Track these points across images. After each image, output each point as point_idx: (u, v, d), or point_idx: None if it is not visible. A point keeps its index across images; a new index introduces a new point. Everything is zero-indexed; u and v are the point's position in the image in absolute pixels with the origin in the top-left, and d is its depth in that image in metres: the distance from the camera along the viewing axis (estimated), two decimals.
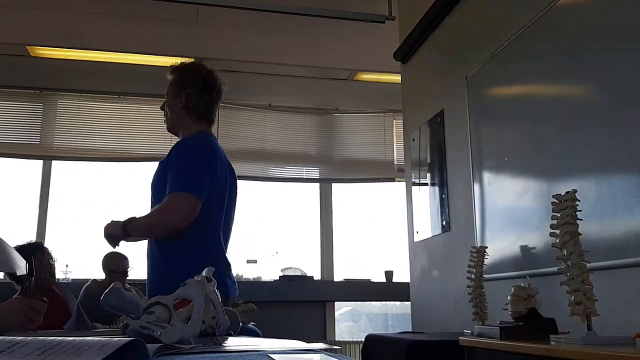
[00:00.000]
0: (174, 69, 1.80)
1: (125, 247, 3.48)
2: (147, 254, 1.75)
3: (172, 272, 1.58)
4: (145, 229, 1.65)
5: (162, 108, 1.83)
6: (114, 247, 1.72)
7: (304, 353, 0.68)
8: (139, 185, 4.32)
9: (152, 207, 1.73)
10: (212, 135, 1.78)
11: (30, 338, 0.54)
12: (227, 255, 1.78)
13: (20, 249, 2.55)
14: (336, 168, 4.56)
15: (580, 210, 1.34)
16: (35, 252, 2.52)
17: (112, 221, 1.69)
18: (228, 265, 1.76)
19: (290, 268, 4.23)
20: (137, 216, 1.65)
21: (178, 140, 1.76)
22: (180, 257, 1.63)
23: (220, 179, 1.69)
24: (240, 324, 1.12)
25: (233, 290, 1.72)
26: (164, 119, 1.83)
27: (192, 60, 1.83)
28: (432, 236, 2.88)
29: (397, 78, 3.54)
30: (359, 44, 3.83)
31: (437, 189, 2.85)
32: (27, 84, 4.16)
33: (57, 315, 2.36)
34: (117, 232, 1.66)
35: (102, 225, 1.71)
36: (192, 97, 1.74)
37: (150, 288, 1.69)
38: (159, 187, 1.69)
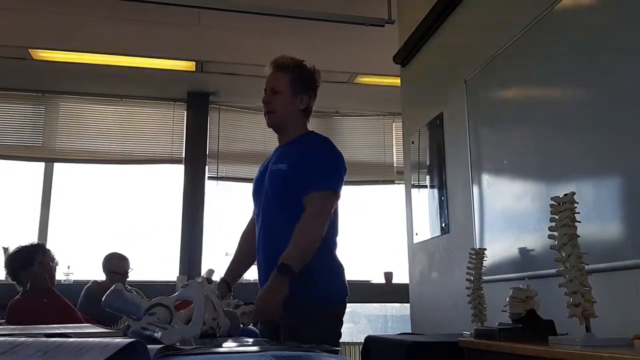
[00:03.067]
0: (291, 65, 1.77)
1: (125, 248, 3.50)
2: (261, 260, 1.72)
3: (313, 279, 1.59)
4: (306, 257, 1.56)
5: (267, 101, 1.76)
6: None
7: (304, 353, 0.69)
8: (140, 187, 4.33)
9: (264, 210, 1.70)
10: None
11: (31, 339, 0.55)
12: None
13: (22, 250, 2.56)
14: None
15: (579, 213, 1.34)
16: (36, 254, 2.53)
17: (267, 291, 1.52)
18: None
19: None
20: (286, 256, 1.53)
21: (292, 138, 1.74)
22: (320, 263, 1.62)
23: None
24: (241, 325, 1.12)
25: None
26: (266, 112, 1.76)
27: (297, 59, 1.81)
28: (431, 238, 2.89)
29: (396, 81, 3.55)
30: (358, 47, 3.84)
31: (436, 191, 2.85)
32: (29, 87, 4.17)
33: (58, 316, 2.38)
34: (282, 292, 1.51)
35: (260, 306, 1.52)
36: (311, 101, 1.77)
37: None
38: (285, 185, 1.66)
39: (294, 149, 1.72)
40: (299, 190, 1.62)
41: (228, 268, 1.88)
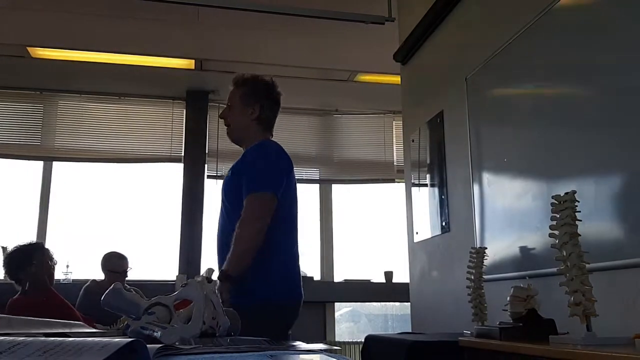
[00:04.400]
0: (243, 80, 1.88)
1: (125, 247, 3.49)
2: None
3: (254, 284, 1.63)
4: (243, 261, 1.63)
5: (222, 117, 1.88)
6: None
7: (304, 354, 0.68)
8: (139, 186, 4.33)
9: (222, 214, 1.78)
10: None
11: (31, 339, 0.54)
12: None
13: (20, 250, 2.55)
14: (336, 169, 4.57)
15: (580, 211, 1.34)
16: (35, 253, 2.52)
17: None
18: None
19: None
20: (225, 263, 1.62)
21: (251, 147, 1.82)
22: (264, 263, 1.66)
23: (294, 186, 1.80)
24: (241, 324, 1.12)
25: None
26: (227, 127, 1.87)
27: (254, 74, 1.93)
28: (432, 237, 2.89)
29: (396, 79, 3.55)
30: (358, 45, 3.83)
31: (436, 189, 2.85)
32: (27, 85, 4.17)
33: (57, 316, 2.37)
34: (226, 294, 1.58)
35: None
36: (265, 109, 1.84)
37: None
38: (231, 193, 1.75)
39: (244, 156, 1.82)
40: (241, 197, 1.69)
41: None
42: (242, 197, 1.68)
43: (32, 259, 2.48)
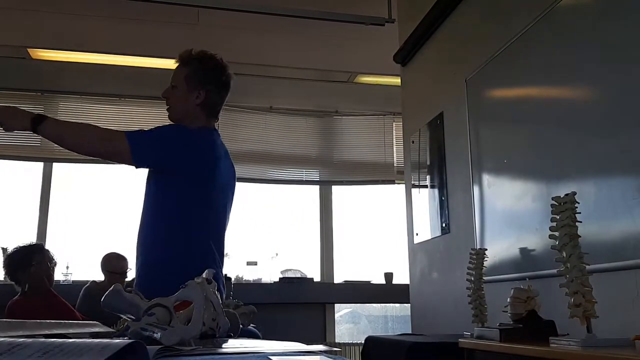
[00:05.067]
0: (190, 58, 1.69)
1: (124, 248, 3.49)
2: (138, 245, 1.66)
3: (166, 270, 1.51)
4: (62, 137, 1.55)
5: (164, 96, 1.70)
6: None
7: (303, 355, 0.68)
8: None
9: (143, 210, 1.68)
10: (216, 131, 1.72)
11: (31, 340, 0.54)
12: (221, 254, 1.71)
13: (20, 251, 2.55)
14: (336, 170, 4.57)
15: (580, 213, 1.34)
16: (35, 254, 2.52)
17: (16, 109, 1.58)
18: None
19: (290, 270, 4.23)
20: (57, 120, 1.57)
21: None
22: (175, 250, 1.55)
23: (215, 174, 1.62)
24: (240, 325, 1.12)
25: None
26: (167, 107, 1.70)
27: (203, 50, 1.73)
28: (432, 238, 2.89)
29: (397, 80, 3.55)
30: (359, 47, 3.83)
31: (436, 191, 2.85)
32: (28, 87, 4.16)
33: (56, 317, 2.37)
34: (19, 123, 1.55)
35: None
36: (211, 94, 1.67)
37: (139, 283, 1.59)
38: (149, 187, 1.63)
39: None
40: (164, 188, 1.58)
41: None
42: (165, 188, 1.57)
43: (31, 260, 2.48)
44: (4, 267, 2.54)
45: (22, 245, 2.59)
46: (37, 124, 1.53)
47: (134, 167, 1.58)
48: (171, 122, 1.70)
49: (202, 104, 1.66)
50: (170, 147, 1.56)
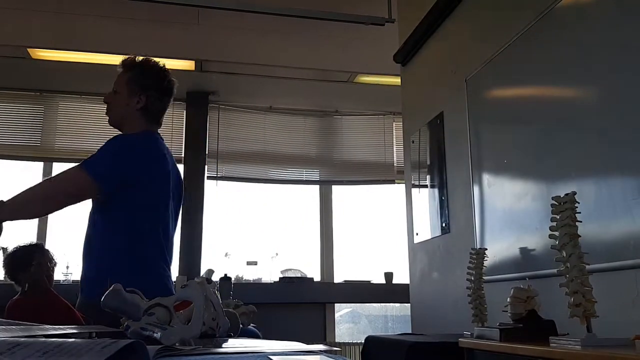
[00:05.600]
0: (133, 64, 1.70)
1: None
2: (85, 246, 1.66)
3: (108, 272, 1.48)
4: (18, 212, 1.51)
5: (106, 101, 1.70)
6: None
7: (303, 354, 0.68)
8: None
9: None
10: (159, 135, 1.72)
11: (31, 340, 0.54)
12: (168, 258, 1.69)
13: (20, 250, 2.55)
14: (336, 170, 4.57)
15: (580, 212, 1.34)
16: (35, 254, 2.52)
17: None
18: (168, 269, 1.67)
19: (290, 270, 4.24)
20: (6, 202, 1.48)
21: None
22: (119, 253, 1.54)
23: (162, 179, 1.62)
24: (241, 325, 1.12)
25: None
26: (107, 111, 1.71)
27: (146, 57, 1.74)
28: (432, 238, 2.89)
29: (397, 80, 3.55)
30: (359, 47, 3.83)
31: (436, 190, 2.85)
32: (27, 86, 4.17)
33: (57, 316, 2.38)
34: None
35: None
36: (153, 100, 1.67)
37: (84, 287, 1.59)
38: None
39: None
40: (113, 196, 1.56)
41: None
42: (116, 194, 1.55)
43: (31, 260, 2.48)
44: (4, 266, 2.54)
45: (22, 244, 2.59)
46: None
47: (100, 197, 1.58)
48: (109, 123, 1.73)
49: (143, 108, 1.67)
50: (125, 159, 1.58)
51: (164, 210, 1.64)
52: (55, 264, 2.64)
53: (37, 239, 3.91)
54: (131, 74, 1.69)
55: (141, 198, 1.58)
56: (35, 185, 1.53)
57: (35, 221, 4.05)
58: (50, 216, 4.09)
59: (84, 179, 1.52)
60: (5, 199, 1.50)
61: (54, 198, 1.52)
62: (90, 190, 1.54)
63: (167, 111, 1.77)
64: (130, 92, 1.67)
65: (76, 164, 1.58)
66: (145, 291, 0.88)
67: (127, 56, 1.72)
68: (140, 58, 1.71)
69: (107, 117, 1.72)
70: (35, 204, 1.53)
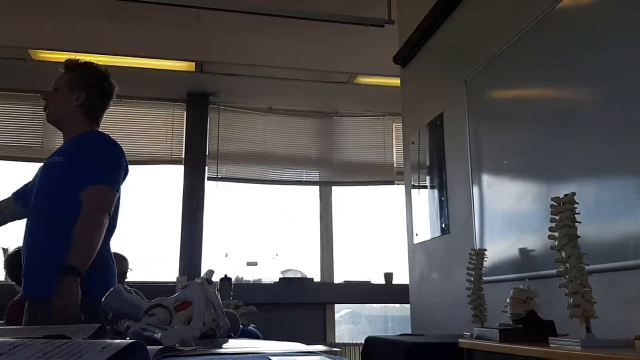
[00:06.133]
0: (74, 65, 1.78)
1: (125, 249, 3.50)
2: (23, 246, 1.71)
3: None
4: (89, 254, 1.54)
5: (44, 99, 1.78)
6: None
7: (303, 355, 0.69)
8: (139, 188, 4.33)
9: (36, 204, 1.69)
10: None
11: (31, 340, 0.55)
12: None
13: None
14: (336, 171, 4.57)
15: (579, 213, 1.34)
16: None
17: (59, 298, 1.47)
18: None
19: (290, 270, 4.24)
20: (70, 257, 1.51)
21: (72, 136, 1.74)
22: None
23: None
24: (241, 326, 1.12)
25: None
26: (46, 109, 1.78)
27: (89, 59, 1.84)
28: (432, 238, 2.89)
29: (396, 81, 3.55)
30: (358, 48, 3.84)
31: (436, 191, 2.85)
32: (28, 87, 4.17)
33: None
34: (72, 294, 1.47)
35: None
36: (91, 98, 1.75)
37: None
38: (52, 186, 1.66)
39: (71, 146, 1.73)
40: (73, 185, 1.61)
41: None
42: (73, 186, 1.60)
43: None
44: (5, 266, 2.54)
45: None
46: (74, 274, 1.51)
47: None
48: (48, 121, 1.80)
49: (82, 105, 1.74)
50: (118, 167, 1.69)
51: (117, 214, 1.73)
52: None
53: None
54: (73, 73, 1.77)
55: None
56: (85, 224, 1.56)
57: None
58: None
59: (113, 195, 1.63)
60: (72, 262, 1.51)
61: (102, 226, 1.58)
62: (113, 198, 1.64)
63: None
64: (71, 89, 1.74)
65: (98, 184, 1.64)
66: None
67: (71, 59, 1.82)
68: (83, 60, 1.81)
69: (46, 115, 1.79)
70: (95, 241, 1.57)
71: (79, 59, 1.80)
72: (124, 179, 1.73)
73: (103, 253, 1.64)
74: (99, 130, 1.79)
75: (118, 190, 1.65)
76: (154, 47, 3.77)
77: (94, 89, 1.75)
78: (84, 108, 1.74)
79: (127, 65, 3.91)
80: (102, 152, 1.68)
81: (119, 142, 1.77)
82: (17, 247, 2.57)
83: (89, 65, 1.79)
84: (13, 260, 2.51)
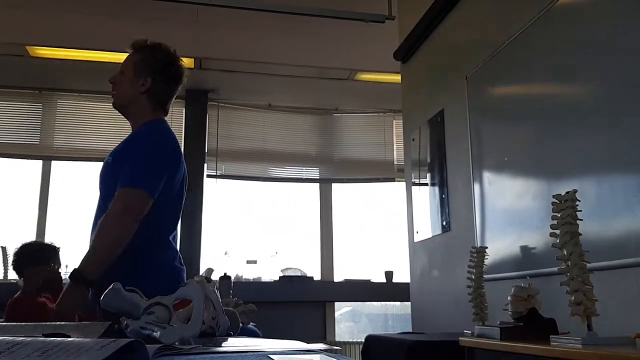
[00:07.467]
0: (141, 46, 1.64)
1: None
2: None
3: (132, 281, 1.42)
4: (101, 260, 1.39)
5: (111, 81, 1.64)
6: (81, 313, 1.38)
7: (304, 353, 0.68)
8: None
9: (98, 205, 1.57)
10: (167, 123, 1.66)
11: (30, 339, 0.54)
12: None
13: (35, 246, 2.53)
14: (336, 168, 4.56)
15: (581, 211, 1.34)
16: (53, 256, 2.52)
17: (59, 304, 1.36)
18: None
19: (290, 268, 4.23)
20: (81, 261, 1.39)
21: (137, 126, 1.62)
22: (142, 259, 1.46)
23: (182, 174, 1.59)
24: (240, 324, 1.11)
25: None
26: (113, 93, 1.64)
27: (158, 42, 1.69)
28: (432, 236, 2.88)
29: (397, 78, 3.54)
30: (358, 44, 3.82)
31: (437, 188, 2.85)
32: (26, 84, 4.16)
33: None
34: (79, 299, 1.35)
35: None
36: (158, 84, 1.61)
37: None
38: (109, 180, 1.54)
39: (128, 139, 1.61)
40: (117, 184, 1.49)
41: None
42: (111, 194, 1.48)
43: (43, 259, 2.45)
44: (14, 255, 2.52)
45: (39, 241, 2.57)
46: (81, 277, 1.38)
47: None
48: (114, 107, 1.66)
49: (148, 91, 1.60)
50: (159, 169, 1.52)
51: (178, 209, 1.60)
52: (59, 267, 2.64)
53: (36, 237, 3.91)
54: (139, 55, 1.63)
55: (162, 200, 1.52)
56: (103, 228, 1.43)
57: (34, 220, 4.04)
58: (49, 216, 4.09)
59: (146, 200, 1.46)
60: (81, 267, 1.39)
61: (124, 230, 1.43)
62: (147, 204, 1.47)
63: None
64: (136, 73, 1.60)
65: (127, 186, 1.47)
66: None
67: (139, 39, 1.67)
68: (152, 41, 1.66)
69: (113, 98, 1.65)
70: (111, 249, 1.42)
71: (147, 39, 1.64)
72: (178, 173, 1.56)
73: (155, 259, 1.50)
74: (163, 119, 1.63)
75: (153, 195, 1.47)
76: None
77: (160, 74, 1.61)
78: (149, 94, 1.59)
79: None
80: (146, 151, 1.53)
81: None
82: (33, 240, 2.54)
83: (156, 46, 1.64)
84: (24, 252, 2.50)
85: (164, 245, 1.55)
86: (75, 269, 1.39)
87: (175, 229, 1.61)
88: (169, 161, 1.55)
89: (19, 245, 2.53)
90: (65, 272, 3.86)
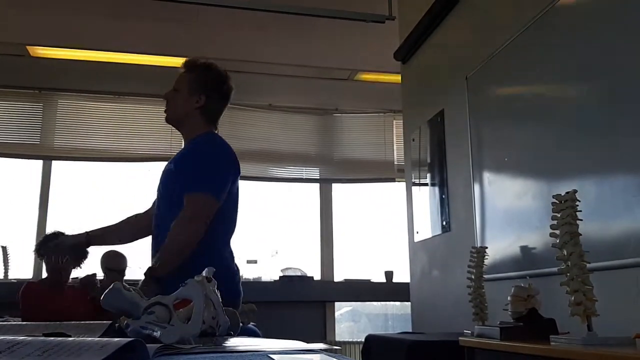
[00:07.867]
0: (195, 65, 1.76)
1: (124, 246, 3.50)
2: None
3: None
4: (173, 261, 1.51)
5: (165, 98, 1.75)
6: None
7: (304, 353, 0.68)
8: (139, 185, 4.33)
9: (157, 208, 1.69)
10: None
11: (30, 338, 0.54)
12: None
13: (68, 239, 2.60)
14: (336, 168, 4.56)
15: (581, 211, 1.34)
16: (85, 253, 2.57)
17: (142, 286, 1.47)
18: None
19: (290, 268, 4.23)
20: (155, 260, 1.52)
21: (191, 138, 1.74)
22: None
23: (237, 185, 1.71)
24: (241, 324, 1.11)
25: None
26: (165, 108, 1.75)
27: (209, 61, 1.79)
28: (432, 236, 2.88)
29: (397, 78, 3.54)
30: (359, 44, 3.83)
31: (437, 189, 2.85)
32: (26, 84, 4.15)
33: (70, 303, 2.56)
34: (149, 293, 1.48)
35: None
36: (212, 101, 1.73)
37: None
38: (170, 186, 1.66)
39: (187, 149, 1.74)
40: (181, 191, 1.59)
41: (102, 228, 1.91)
42: (183, 191, 1.59)
43: (85, 254, 2.47)
44: (45, 236, 2.68)
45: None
46: (154, 276, 1.51)
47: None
48: (167, 121, 1.77)
49: (202, 108, 1.72)
50: (224, 175, 1.65)
51: (237, 213, 1.72)
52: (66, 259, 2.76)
53: (37, 237, 3.91)
54: (193, 74, 1.74)
55: (225, 204, 1.63)
56: (175, 230, 1.53)
57: (35, 220, 4.04)
58: (49, 216, 4.09)
59: (213, 204, 1.58)
60: (154, 265, 1.52)
61: (195, 234, 1.54)
62: (213, 209, 1.59)
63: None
64: (190, 91, 1.72)
65: (193, 191, 1.58)
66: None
67: (191, 58, 1.79)
68: (203, 61, 1.78)
69: (165, 114, 1.76)
70: (183, 250, 1.53)
71: (198, 59, 1.77)
72: (234, 179, 1.68)
73: (222, 261, 1.61)
74: (215, 132, 1.77)
75: (220, 199, 1.59)
76: (152, 44, 3.76)
77: (213, 92, 1.74)
78: (203, 110, 1.72)
79: (125, 62, 3.89)
80: (210, 157, 1.65)
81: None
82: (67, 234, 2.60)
83: (208, 66, 1.76)
84: (52, 239, 2.57)
85: (225, 247, 1.68)
86: (149, 267, 1.53)
87: (234, 231, 1.72)
88: (231, 166, 1.67)
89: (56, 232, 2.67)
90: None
